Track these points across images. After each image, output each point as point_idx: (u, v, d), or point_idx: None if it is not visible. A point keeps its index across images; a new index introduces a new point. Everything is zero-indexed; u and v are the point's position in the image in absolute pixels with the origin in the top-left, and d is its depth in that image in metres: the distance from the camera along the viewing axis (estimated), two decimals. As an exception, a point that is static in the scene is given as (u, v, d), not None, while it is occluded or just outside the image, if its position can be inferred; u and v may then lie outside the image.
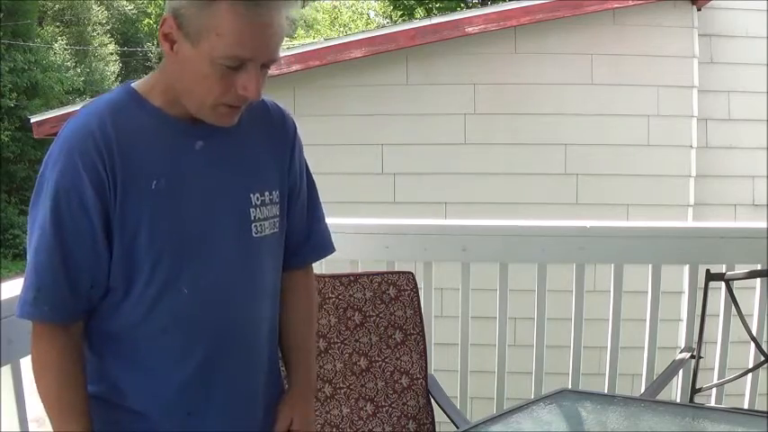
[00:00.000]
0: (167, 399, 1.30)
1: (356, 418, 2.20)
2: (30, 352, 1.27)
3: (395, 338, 2.24)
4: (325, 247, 1.54)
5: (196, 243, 1.28)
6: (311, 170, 1.50)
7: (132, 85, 1.29)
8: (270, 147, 1.38)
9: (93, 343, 1.30)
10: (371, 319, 2.23)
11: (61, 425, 1.24)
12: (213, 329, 1.30)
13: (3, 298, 1.46)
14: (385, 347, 2.23)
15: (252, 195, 1.33)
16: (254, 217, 1.33)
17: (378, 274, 2.26)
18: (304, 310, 1.52)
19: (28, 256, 1.23)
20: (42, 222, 1.20)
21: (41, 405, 1.25)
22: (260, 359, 1.40)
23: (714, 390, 2.54)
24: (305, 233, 1.48)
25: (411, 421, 2.22)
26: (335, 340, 2.21)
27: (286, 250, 1.44)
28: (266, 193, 1.35)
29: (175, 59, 1.20)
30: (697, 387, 2.42)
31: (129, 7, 30.32)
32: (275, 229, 1.38)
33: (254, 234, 1.33)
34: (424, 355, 2.26)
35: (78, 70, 24.63)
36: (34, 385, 1.54)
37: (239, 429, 1.36)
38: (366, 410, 2.21)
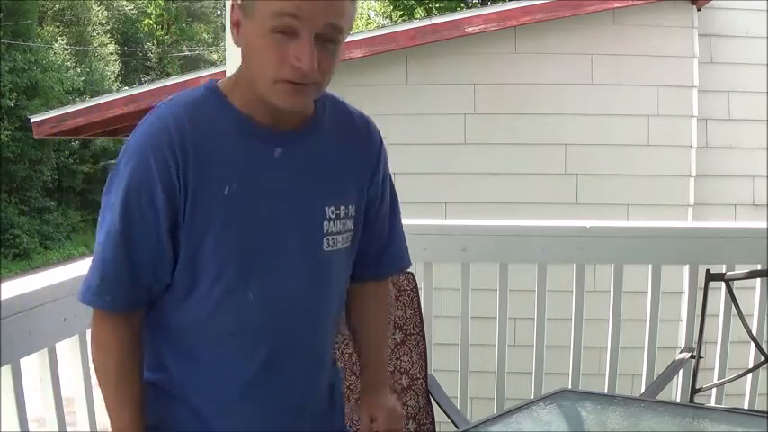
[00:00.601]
0: (226, 397, 1.30)
1: (356, 418, 2.20)
2: (27, 353, 1.28)
3: (395, 338, 2.24)
4: (402, 261, 1.50)
5: (265, 251, 1.26)
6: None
7: (218, 83, 1.27)
8: (352, 159, 1.35)
9: (155, 334, 1.30)
10: (371, 319, 2.23)
11: (115, 408, 1.26)
12: (277, 335, 1.30)
13: (2, 298, 1.46)
14: (385, 347, 2.23)
15: (327, 208, 1.30)
16: (327, 230, 1.30)
17: (378, 274, 2.26)
18: (379, 320, 1.52)
19: (96, 243, 1.24)
20: (112, 216, 1.20)
21: (41, 406, 1.25)
22: (321, 364, 1.40)
23: (714, 390, 2.54)
24: (383, 246, 1.45)
25: (411, 421, 2.22)
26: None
27: (363, 261, 1.43)
28: (342, 207, 1.32)
29: (242, 43, 1.19)
30: (697, 387, 2.42)
31: (129, 7, 30.32)
32: (348, 243, 1.35)
33: (324, 248, 1.30)
34: (424, 355, 2.26)
35: (78, 70, 24.63)
36: (40, 383, 1.54)
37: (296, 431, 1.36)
38: (366, 410, 2.21)
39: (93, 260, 1.24)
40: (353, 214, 1.34)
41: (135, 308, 1.26)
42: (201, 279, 1.24)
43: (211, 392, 1.29)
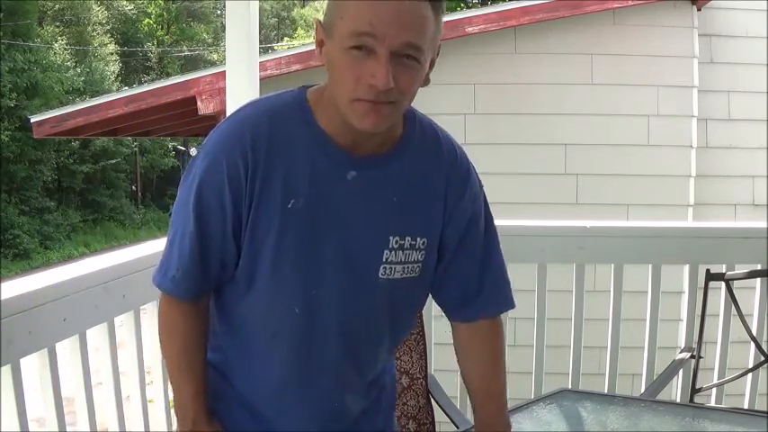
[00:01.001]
0: (263, 392, 1.35)
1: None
2: (35, 349, 1.27)
3: (395, 338, 2.23)
4: (502, 301, 1.44)
5: (316, 271, 1.26)
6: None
7: (308, 90, 1.27)
8: (430, 191, 1.31)
9: (220, 322, 1.36)
10: (371, 319, 2.23)
11: (178, 384, 1.35)
12: (313, 352, 1.31)
13: (3, 298, 1.46)
14: (385, 347, 2.23)
15: (391, 237, 1.28)
16: (386, 259, 1.28)
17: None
18: (485, 362, 1.45)
19: (171, 230, 1.28)
20: (187, 212, 1.24)
21: (41, 406, 1.25)
22: (357, 387, 1.39)
23: (714, 390, 2.54)
24: (476, 286, 1.39)
25: (411, 421, 2.22)
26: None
27: (456, 302, 1.40)
28: (407, 238, 1.29)
29: (324, 62, 1.20)
30: (697, 387, 2.42)
31: (129, 7, 30.31)
32: (413, 274, 1.31)
33: (380, 275, 1.28)
34: (424, 355, 2.26)
35: (78, 70, 24.63)
36: (40, 383, 1.54)
37: None
38: (366, 410, 2.21)
39: (168, 248, 1.29)
40: (423, 247, 1.31)
41: (203, 295, 1.32)
42: (258, 282, 1.27)
43: (252, 384, 1.35)
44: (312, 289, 1.27)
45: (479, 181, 1.40)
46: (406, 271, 1.30)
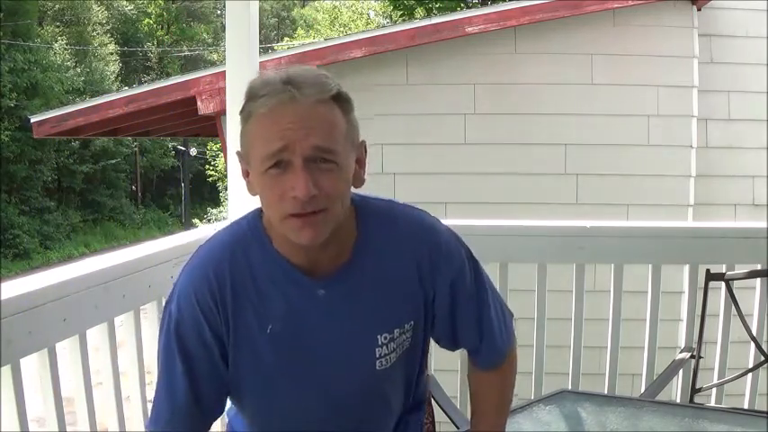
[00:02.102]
0: None
1: None
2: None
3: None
4: (495, 356, 1.46)
5: (314, 382, 1.31)
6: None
7: (262, 216, 1.29)
8: (404, 279, 1.30)
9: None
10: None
11: None
12: None
13: (3, 298, 1.46)
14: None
15: (379, 336, 1.30)
16: (379, 354, 1.30)
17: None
18: (491, 403, 1.49)
19: (158, 383, 1.29)
20: (171, 353, 1.26)
21: (41, 406, 1.25)
22: None
23: (714, 390, 2.54)
24: (476, 342, 1.42)
25: (411, 421, 2.21)
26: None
27: (469, 350, 1.45)
28: (396, 330, 1.31)
29: (252, 191, 1.24)
30: (697, 387, 2.42)
31: (129, 7, 30.32)
32: (405, 347, 1.34)
33: (377, 368, 1.31)
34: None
35: (78, 70, 24.65)
36: (40, 383, 1.54)
37: None
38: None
39: (158, 396, 1.29)
40: (410, 329, 1.33)
41: (204, 424, 1.32)
42: (247, 401, 1.34)
43: None
44: (311, 398, 1.32)
45: (452, 235, 1.38)
46: (399, 353, 1.33)
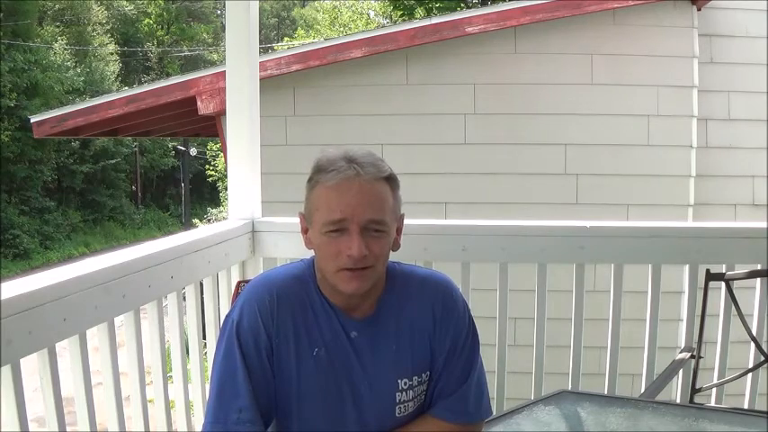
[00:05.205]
0: None
1: None
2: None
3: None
4: (463, 413, 1.53)
5: (338, 415, 1.46)
6: None
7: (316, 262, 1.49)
8: (421, 330, 1.50)
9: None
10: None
11: None
12: None
13: (3, 298, 1.46)
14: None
15: (400, 381, 1.48)
16: (399, 400, 1.48)
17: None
18: None
19: (215, 386, 1.44)
20: (233, 357, 1.42)
21: (41, 406, 1.25)
22: None
23: (714, 390, 2.54)
24: (447, 391, 1.52)
25: (411, 421, 2.21)
26: None
27: (429, 398, 1.55)
28: (415, 378, 1.49)
29: (311, 245, 1.45)
30: (697, 387, 2.42)
31: (129, 7, 30.32)
32: (421, 400, 1.52)
33: (397, 414, 1.49)
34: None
35: (78, 70, 24.64)
36: (40, 383, 1.54)
37: None
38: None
39: (219, 398, 1.42)
40: (426, 380, 1.51)
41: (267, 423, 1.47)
42: (286, 418, 1.48)
43: None
44: (336, 427, 1.47)
45: (464, 300, 1.57)
46: (416, 403, 1.51)
